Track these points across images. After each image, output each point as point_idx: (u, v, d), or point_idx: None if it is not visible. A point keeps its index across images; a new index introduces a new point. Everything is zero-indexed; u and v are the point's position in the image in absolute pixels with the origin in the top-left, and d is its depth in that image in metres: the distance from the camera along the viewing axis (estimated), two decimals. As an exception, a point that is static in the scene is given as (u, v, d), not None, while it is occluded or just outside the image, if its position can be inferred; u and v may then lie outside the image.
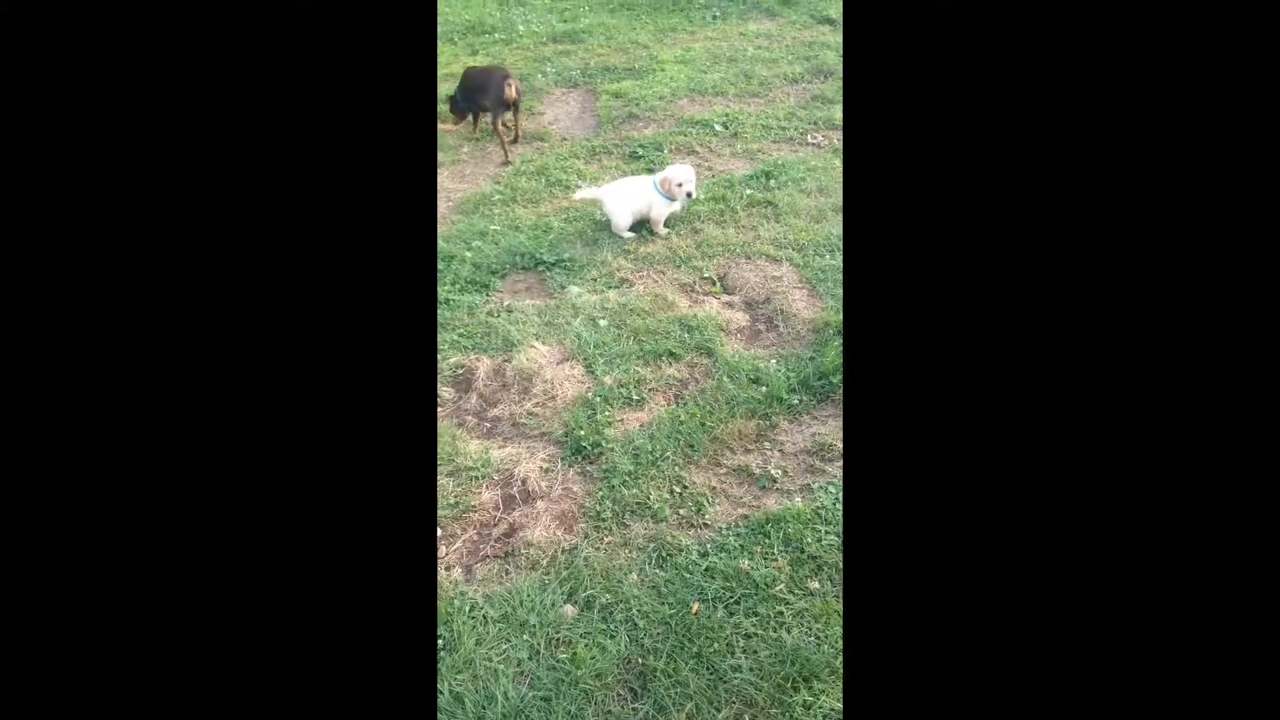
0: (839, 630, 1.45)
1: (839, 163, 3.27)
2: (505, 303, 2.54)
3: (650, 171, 3.30)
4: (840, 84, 3.89)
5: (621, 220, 2.83)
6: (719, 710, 1.33)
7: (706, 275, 2.64)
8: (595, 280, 2.63)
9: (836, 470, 1.88)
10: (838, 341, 2.23)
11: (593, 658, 1.43)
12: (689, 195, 2.76)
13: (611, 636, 1.47)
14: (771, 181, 3.15)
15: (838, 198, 3.01)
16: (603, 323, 2.41)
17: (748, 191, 3.09)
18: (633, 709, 1.35)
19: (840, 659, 1.39)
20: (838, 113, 3.65)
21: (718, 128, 3.62)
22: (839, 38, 4.45)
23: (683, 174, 2.76)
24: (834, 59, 4.18)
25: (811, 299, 2.51)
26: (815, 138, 3.50)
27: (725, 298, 2.57)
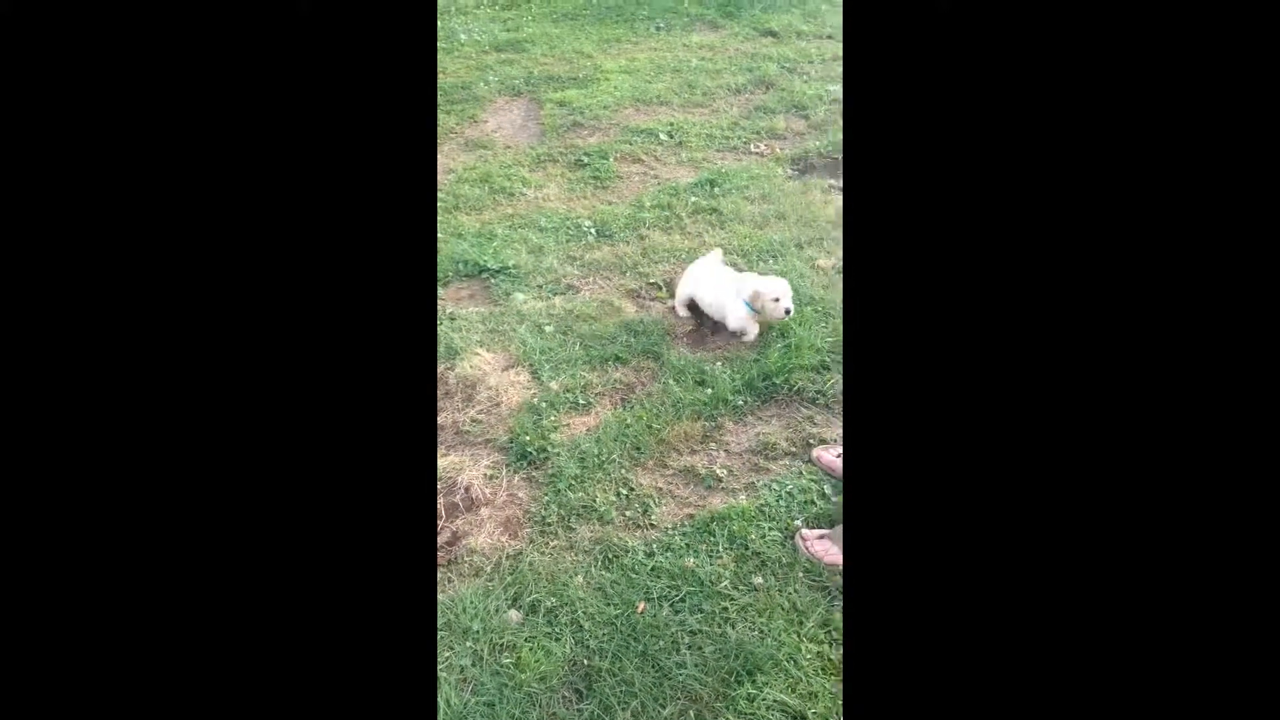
0: (782, 624, 1.47)
1: (781, 171, 3.35)
2: (448, 310, 2.51)
3: (598, 179, 3.31)
4: (782, 94, 3.98)
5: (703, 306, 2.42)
6: (664, 707, 1.33)
7: (653, 281, 2.67)
8: (541, 287, 2.62)
9: (780, 468, 1.91)
10: (781, 344, 2.27)
11: (538, 661, 1.41)
12: (787, 312, 2.25)
13: (557, 639, 1.46)
14: (716, 189, 3.20)
15: (781, 205, 3.08)
16: (548, 329, 2.40)
17: (693, 199, 3.13)
18: (578, 710, 1.34)
19: (783, 651, 1.41)
20: (780, 122, 3.73)
21: (663, 136, 3.66)
22: (781, 49, 4.56)
23: (778, 288, 2.26)
24: (776, 70, 4.28)
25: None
26: (758, 147, 3.57)
27: (671, 301, 2.59)
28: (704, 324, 2.44)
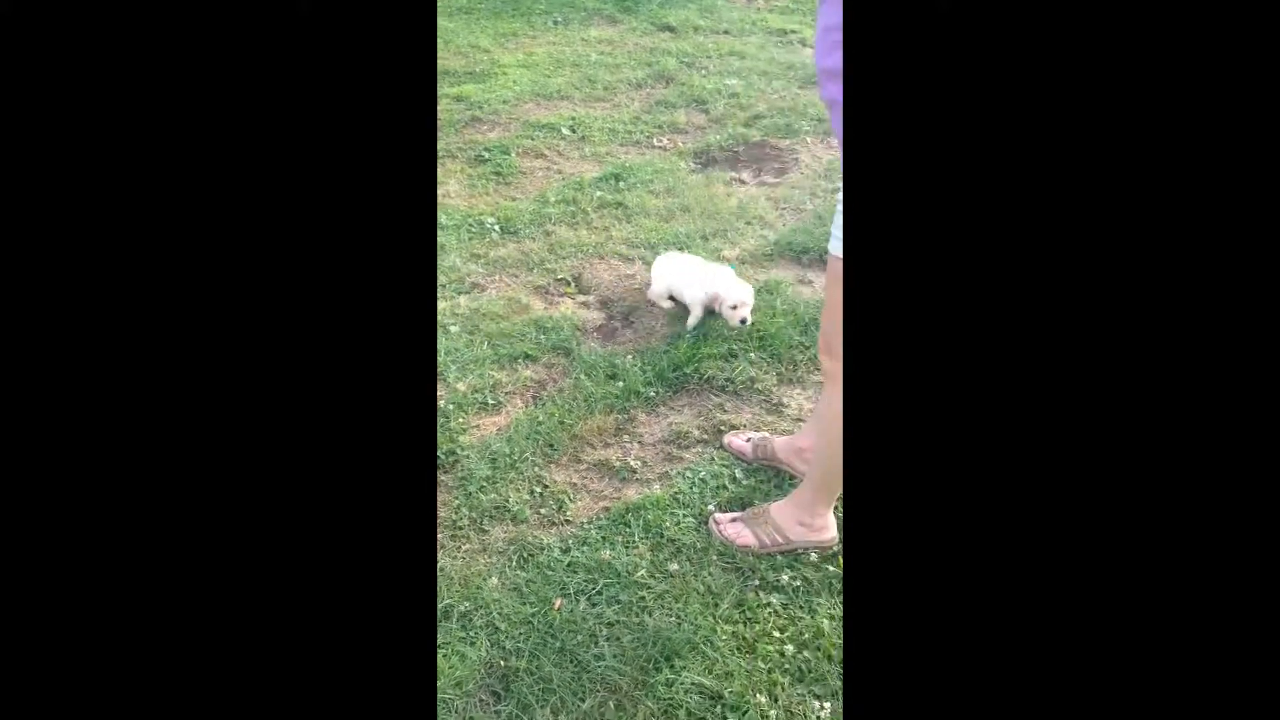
0: (698, 607, 1.50)
1: (684, 165, 3.39)
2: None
3: (499, 175, 3.26)
4: (682, 89, 4.04)
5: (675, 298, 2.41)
6: (583, 701, 1.33)
7: (561, 277, 2.65)
8: (444, 286, 2.55)
9: (693, 456, 1.94)
10: (690, 334, 2.31)
11: (452, 667, 1.38)
12: (743, 322, 2.22)
13: (471, 643, 1.43)
14: (621, 183, 3.21)
15: (685, 198, 3.12)
16: (454, 329, 2.34)
17: (598, 193, 3.13)
18: (495, 712, 1.32)
19: (699, 635, 1.43)
20: (681, 116, 3.78)
21: (565, 131, 3.64)
22: (679, 44, 4.62)
23: (739, 294, 2.23)
24: (675, 65, 4.33)
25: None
26: (661, 141, 3.61)
27: (580, 298, 2.58)
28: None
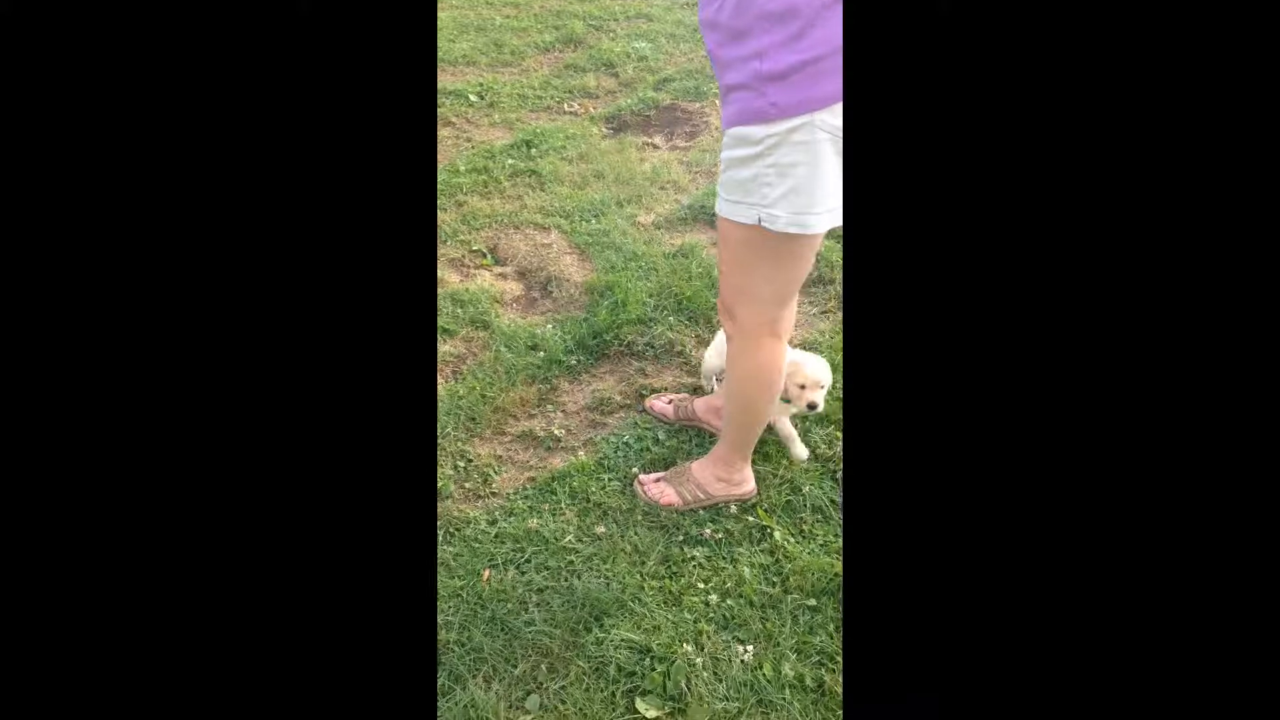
0: (625, 566, 1.54)
1: (596, 130, 3.36)
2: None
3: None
4: (591, 53, 3.97)
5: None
6: (515, 666, 1.35)
7: (476, 248, 2.60)
8: (353, 263, 2.46)
9: (616, 421, 1.96)
10: (608, 301, 2.32)
11: (382, 647, 1.37)
12: (812, 407, 1.69)
13: (401, 622, 1.43)
14: (533, 150, 3.16)
15: (599, 164, 3.10)
16: (366, 307, 2.27)
17: (510, 161, 3.07)
18: (429, 687, 1.33)
19: (627, 593, 1.48)
20: (591, 80, 3.73)
21: (473, 98, 3.53)
22: (586, 7, 4.53)
23: (818, 372, 1.70)
24: (583, 28, 4.25)
25: (582, 263, 2.57)
26: (572, 106, 3.55)
27: (497, 269, 2.54)
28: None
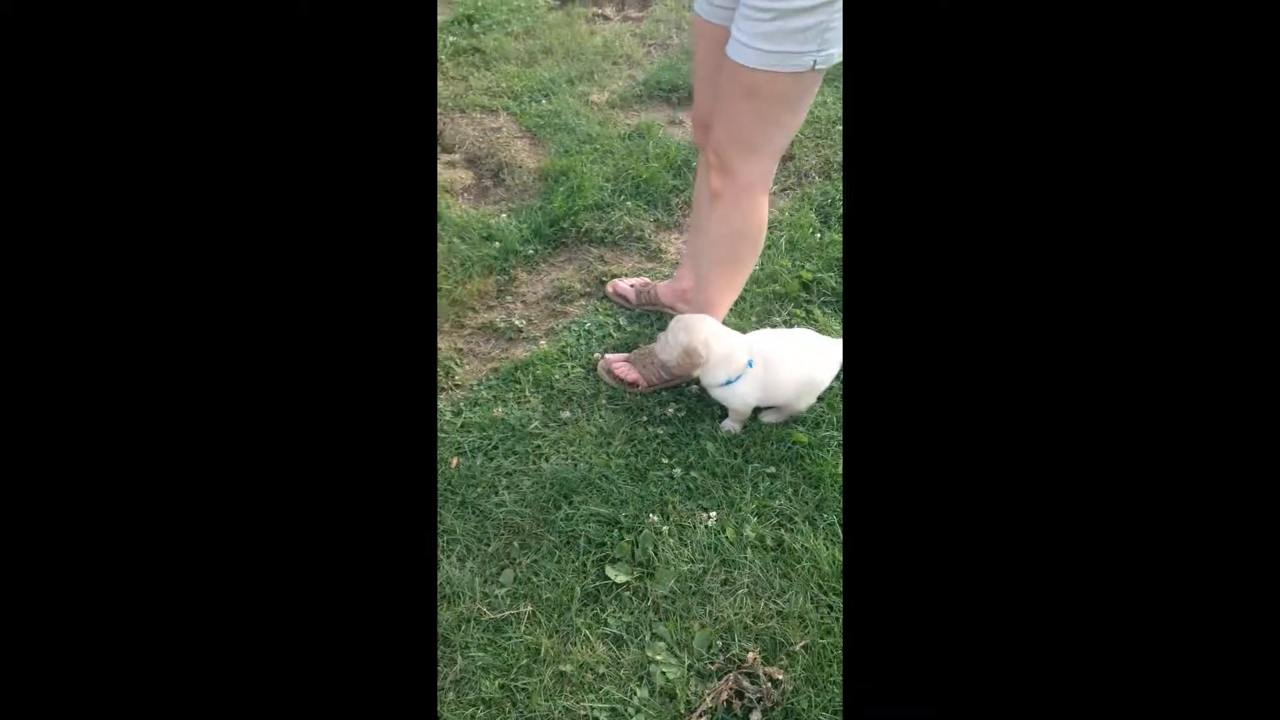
0: (591, 448, 1.58)
1: (542, 2, 3.12)
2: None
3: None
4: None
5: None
6: (487, 545, 1.41)
7: (420, 136, 2.46)
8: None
9: (577, 310, 1.95)
10: (564, 187, 2.24)
11: (356, 535, 1.41)
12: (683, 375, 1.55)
13: (373, 511, 1.46)
14: (475, 27, 2.94)
15: (546, 39, 2.90)
16: (308, 202, 2.16)
17: (451, 39, 2.86)
18: (406, 568, 1.38)
19: (595, 471, 1.52)
20: (534, -55, 3.43)
21: (405, -32, 3.23)
22: None
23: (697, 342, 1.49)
24: (522, -117, 3.85)
25: (534, 147, 2.47)
26: (514, -26, 3.28)
27: (445, 157, 2.43)
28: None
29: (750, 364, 1.51)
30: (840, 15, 1.21)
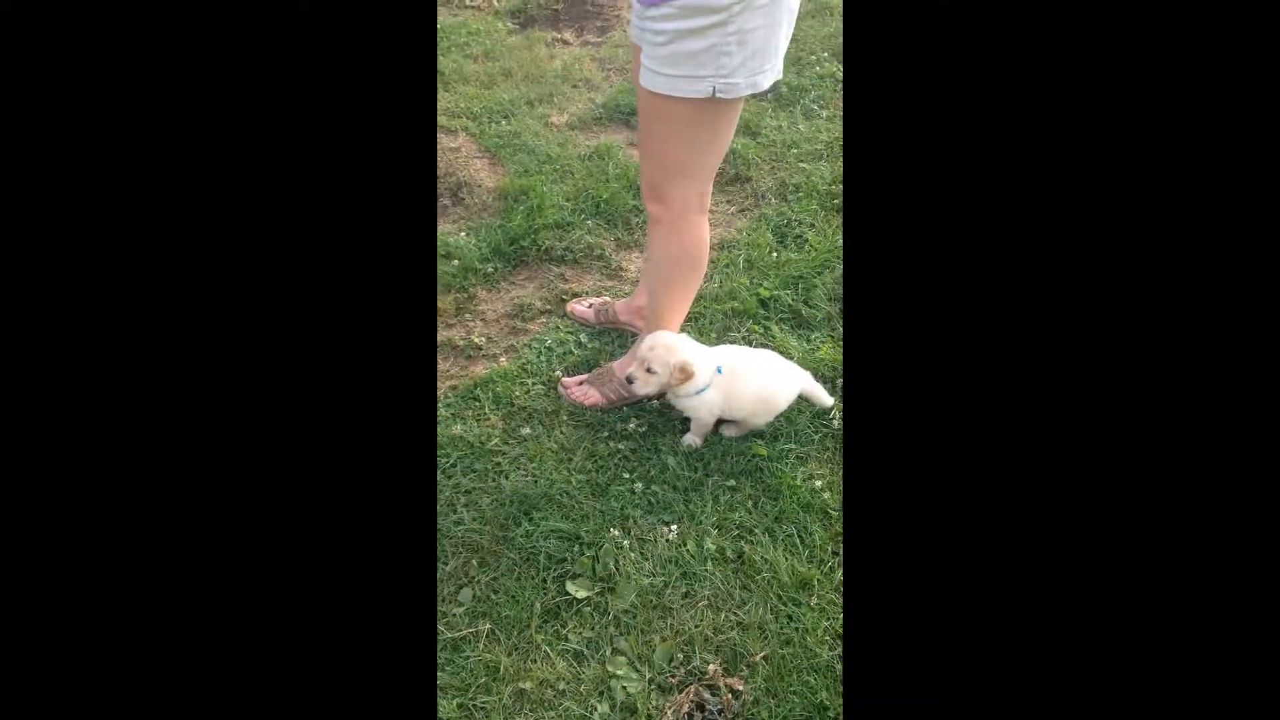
0: (552, 464, 1.57)
1: (502, 25, 3.16)
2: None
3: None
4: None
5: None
6: (446, 563, 1.38)
7: (378, 155, 2.45)
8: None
9: (538, 327, 1.95)
10: (523, 206, 2.25)
11: (309, 556, 1.37)
12: (629, 380, 1.55)
13: (327, 531, 1.42)
14: (436, 49, 2.95)
15: (506, 61, 2.93)
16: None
17: (410, 61, 2.86)
18: (361, 589, 1.35)
19: (555, 488, 1.51)
20: (494, -29, 3.47)
21: (364, -10, 3.24)
22: (484, -113, 4.14)
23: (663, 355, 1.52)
24: (482, -89, 3.90)
25: (493, 167, 2.47)
26: (474, 0, 3.31)
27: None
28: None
29: (720, 370, 1.54)
30: (742, 43, 1.22)
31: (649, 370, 1.52)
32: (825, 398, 1.63)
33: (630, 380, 1.55)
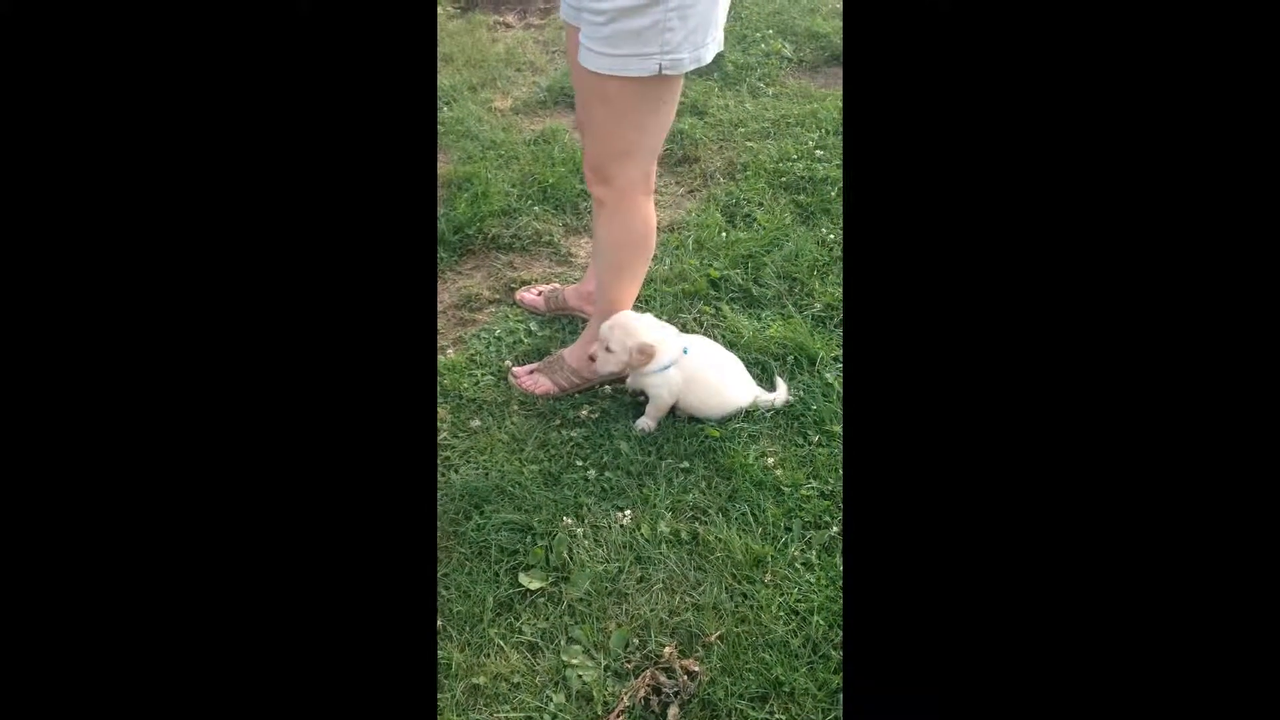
0: (503, 455, 1.54)
1: (442, 10, 3.08)
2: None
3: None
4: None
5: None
6: (394, 561, 1.35)
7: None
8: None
9: (486, 317, 1.91)
10: (468, 193, 2.20)
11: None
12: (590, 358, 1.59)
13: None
14: (372, 34, 2.86)
15: (448, 46, 2.86)
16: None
17: (346, 48, 2.77)
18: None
19: (507, 480, 1.49)
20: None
21: (295, -25, 3.12)
22: None
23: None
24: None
25: (439, 154, 2.42)
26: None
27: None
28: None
29: (686, 350, 1.54)
30: (684, 18, 1.21)
31: (608, 349, 1.53)
32: (772, 398, 1.63)
33: (593, 359, 1.55)
